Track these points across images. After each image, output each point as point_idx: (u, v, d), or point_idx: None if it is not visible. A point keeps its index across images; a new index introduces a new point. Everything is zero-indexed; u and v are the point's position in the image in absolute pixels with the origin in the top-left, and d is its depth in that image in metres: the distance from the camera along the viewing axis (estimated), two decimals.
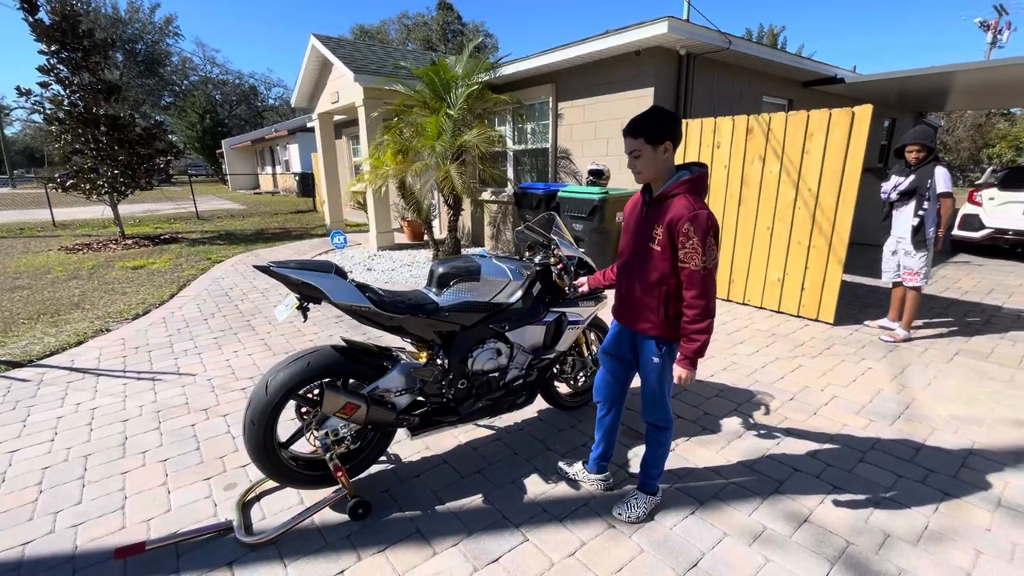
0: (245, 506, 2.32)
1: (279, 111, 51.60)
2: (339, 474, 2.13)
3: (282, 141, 25.28)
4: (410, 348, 2.58)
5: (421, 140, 6.46)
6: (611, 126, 6.23)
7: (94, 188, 9.50)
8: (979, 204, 7.56)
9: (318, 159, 11.77)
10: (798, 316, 4.82)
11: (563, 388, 3.15)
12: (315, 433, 2.20)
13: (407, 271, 7.23)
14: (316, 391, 2.24)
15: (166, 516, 2.27)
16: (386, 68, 8.32)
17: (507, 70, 7.03)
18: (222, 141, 32.48)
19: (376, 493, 2.39)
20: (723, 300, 5.39)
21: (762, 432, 2.88)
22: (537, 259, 2.74)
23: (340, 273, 2.11)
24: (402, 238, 9.79)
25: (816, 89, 8.14)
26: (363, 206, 10.97)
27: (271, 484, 2.45)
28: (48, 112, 9.13)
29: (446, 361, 2.39)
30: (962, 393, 3.31)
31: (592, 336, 3.06)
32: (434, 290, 2.40)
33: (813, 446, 2.74)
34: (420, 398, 2.41)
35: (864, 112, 4.11)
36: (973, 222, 7.58)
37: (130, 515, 2.28)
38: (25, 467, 2.66)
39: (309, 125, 14.63)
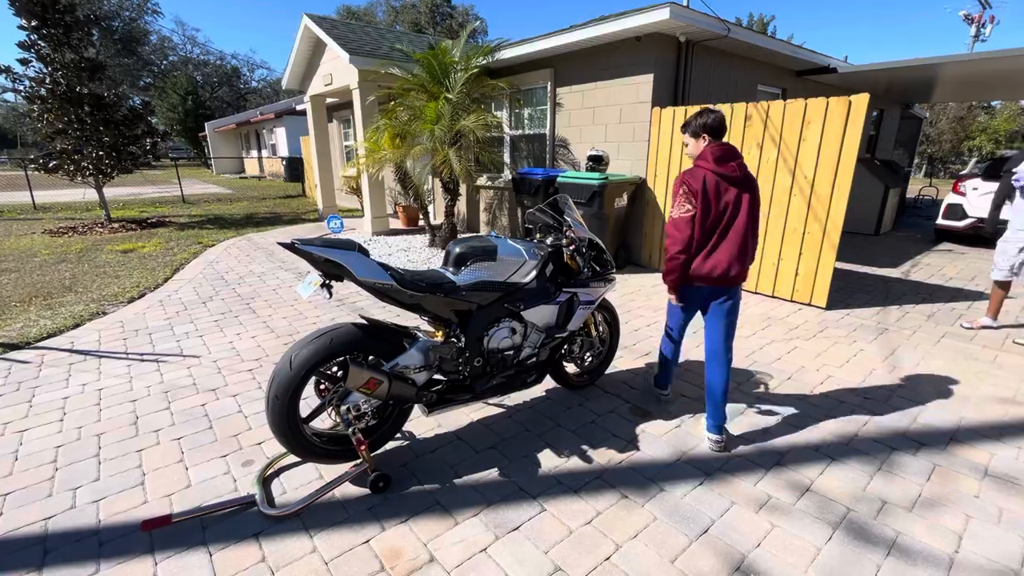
0: (266, 481, 2.36)
1: (263, 94, 50.46)
2: (361, 448, 2.18)
3: (268, 124, 24.79)
4: (426, 327, 2.63)
5: (419, 124, 6.42)
6: (610, 112, 6.26)
7: (79, 169, 9.28)
8: (963, 194, 7.78)
9: (309, 143, 11.60)
10: (791, 301, 4.95)
11: (571, 368, 3.22)
12: (337, 409, 2.24)
13: (403, 256, 7.23)
14: (337, 368, 2.27)
15: (187, 491, 2.30)
16: (381, 50, 8.21)
17: (505, 54, 6.99)
18: (205, 124, 31.72)
19: (395, 468, 2.44)
20: None
21: (763, 409, 2.99)
22: (549, 240, 2.79)
23: (363, 251, 2.14)
24: (397, 223, 9.75)
25: (809, 79, 8.24)
26: (356, 191, 10.88)
27: (289, 460, 2.49)
28: (29, 91, 8.85)
29: (463, 339, 2.44)
30: (950, 373, 3.46)
31: (599, 317, 3.13)
32: (451, 269, 2.44)
33: (811, 422, 2.85)
34: (438, 375, 2.46)
35: (860, 101, 4.21)
36: (957, 211, 7.80)
37: (151, 490, 2.31)
38: (38, 446, 2.66)
39: (299, 108, 14.40)
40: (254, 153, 28.81)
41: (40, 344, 4.02)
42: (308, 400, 2.82)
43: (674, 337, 2.86)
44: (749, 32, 6.23)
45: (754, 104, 4.89)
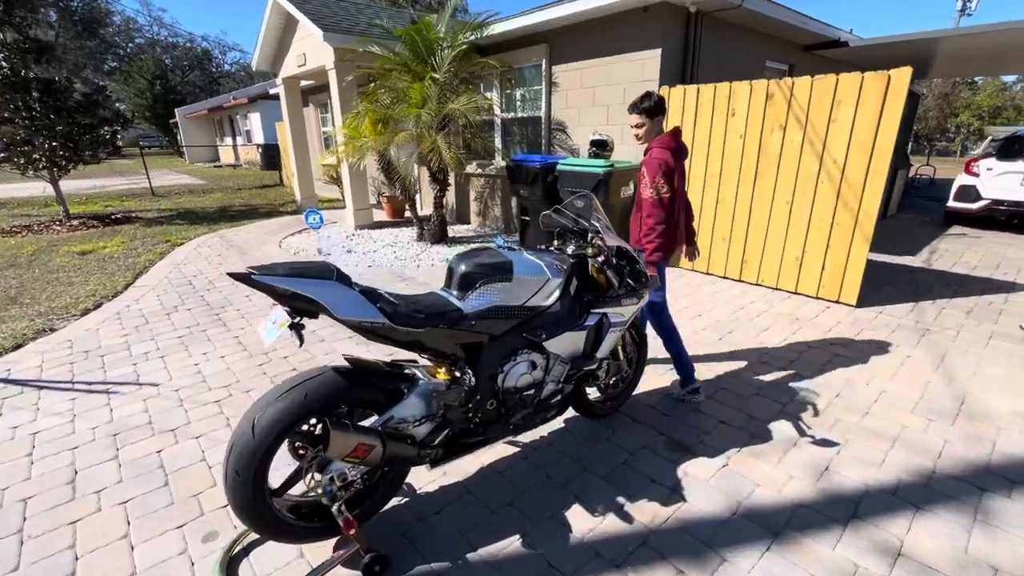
0: (231, 565, 1.89)
1: (236, 78, 48.50)
2: (351, 531, 1.71)
3: (242, 110, 23.65)
4: (423, 361, 2.14)
5: (403, 108, 5.83)
6: (612, 92, 5.73)
7: (30, 162, 8.48)
8: (976, 175, 7.45)
9: (284, 129, 10.86)
10: (817, 298, 4.56)
11: (592, 393, 2.77)
12: (316, 477, 1.76)
13: (390, 252, 6.69)
14: (316, 421, 1.79)
15: None
16: (359, 27, 7.52)
17: (495, 29, 6.39)
18: (175, 110, 30.27)
19: (392, 539, 1.98)
20: (735, 281, 5.09)
21: (817, 439, 2.59)
22: (570, 249, 2.31)
23: (343, 278, 1.64)
24: (381, 215, 9.16)
25: (816, 54, 7.78)
26: (336, 180, 10.23)
27: None
28: None
29: (472, 378, 1.97)
30: (1011, 382, 3.10)
31: (627, 337, 2.67)
32: (455, 292, 1.96)
33: (877, 454, 2.46)
34: (440, 423, 1.99)
35: (901, 76, 3.76)
36: (970, 193, 7.47)
37: None
38: None
39: (272, 91, 13.57)
40: (228, 140, 27.61)
41: None
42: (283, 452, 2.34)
43: (670, 324, 2.90)
44: (763, 2, 5.72)
45: (776, 81, 4.42)
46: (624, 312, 2.32)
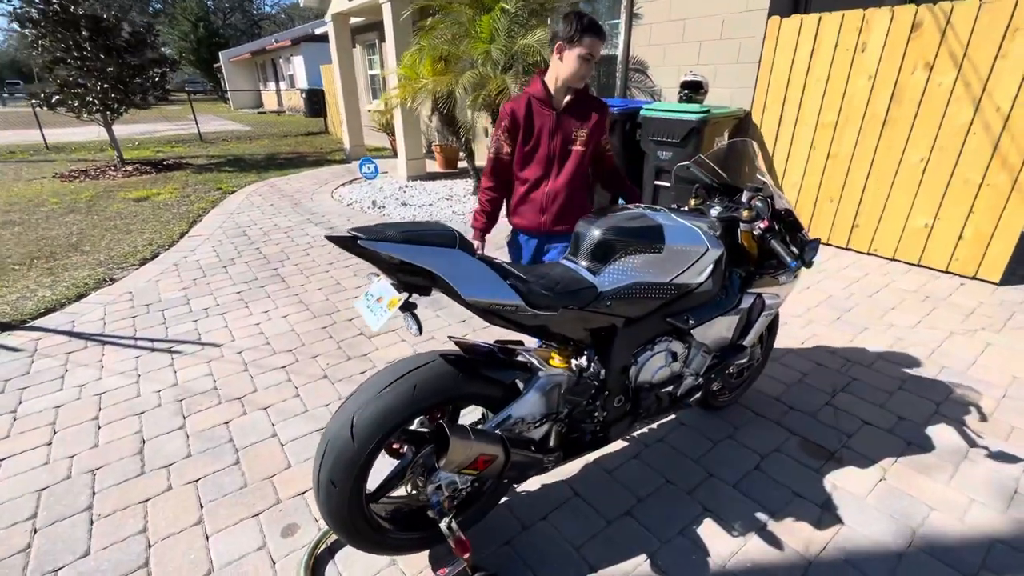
0: (316, 567, 1.65)
1: (276, 20, 47.82)
2: (466, 556, 1.40)
3: (285, 52, 23.13)
4: (528, 343, 1.77)
5: (469, 44, 5.25)
6: (708, 25, 4.97)
7: (83, 105, 8.40)
8: None
9: (332, 72, 10.38)
10: (947, 272, 3.91)
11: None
12: (419, 486, 1.46)
13: (447, 205, 6.31)
14: (421, 424, 1.47)
15: None
16: None
17: None
18: (219, 53, 30.06)
19: (495, 549, 1.70)
20: (842, 249, 4.47)
21: (992, 451, 2.12)
22: (715, 212, 1.84)
23: (465, 246, 1.26)
24: (433, 166, 8.72)
25: None
26: (385, 128, 9.80)
27: None
28: (19, 11, 7.84)
29: (600, 370, 1.59)
30: None
31: None
32: (585, 264, 1.55)
33: None
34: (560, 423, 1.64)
35: None
36: None
37: None
38: (16, 487, 2.00)
39: (319, 32, 13.02)
40: (271, 85, 27.31)
41: (36, 324, 3.35)
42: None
43: None
44: None
45: (929, 6, 3.62)
46: (780, 292, 1.87)
